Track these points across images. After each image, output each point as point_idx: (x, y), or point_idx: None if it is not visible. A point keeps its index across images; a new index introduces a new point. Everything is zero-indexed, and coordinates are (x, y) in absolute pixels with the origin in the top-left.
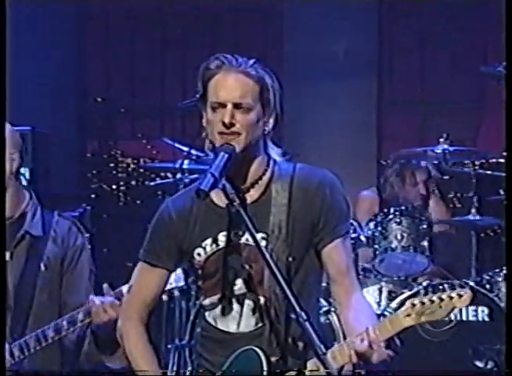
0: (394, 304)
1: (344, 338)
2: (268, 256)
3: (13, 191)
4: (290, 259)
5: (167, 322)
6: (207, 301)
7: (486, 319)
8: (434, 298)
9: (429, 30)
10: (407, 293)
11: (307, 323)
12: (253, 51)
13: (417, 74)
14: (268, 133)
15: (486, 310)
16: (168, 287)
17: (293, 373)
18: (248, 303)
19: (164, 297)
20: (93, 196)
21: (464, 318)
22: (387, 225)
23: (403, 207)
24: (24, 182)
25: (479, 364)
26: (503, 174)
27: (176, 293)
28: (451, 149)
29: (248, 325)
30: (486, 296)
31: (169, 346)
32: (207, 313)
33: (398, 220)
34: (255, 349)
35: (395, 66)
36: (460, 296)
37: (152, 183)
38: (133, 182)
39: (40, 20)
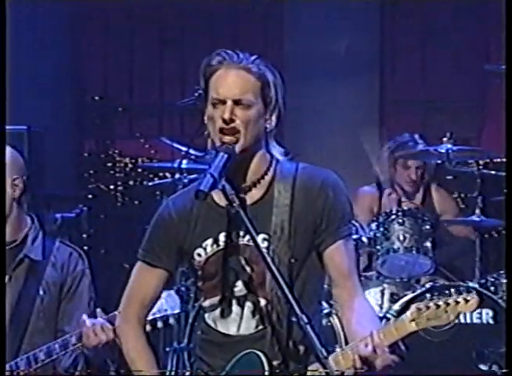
0: (396, 306)
1: (346, 342)
2: (268, 258)
3: (15, 216)
4: (292, 261)
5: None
6: (206, 303)
7: (491, 321)
8: (440, 302)
9: (431, 29)
10: (410, 295)
11: (308, 327)
12: (253, 50)
13: (419, 74)
14: (270, 131)
15: (491, 313)
16: (163, 313)
17: None
18: (249, 305)
19: (160, 324)
20: (90, 196)
21: (468, 321)
22: (390, 225)
23: (406, 208)
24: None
25: (483, 367)
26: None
27: (171, 321)
28: (454, 148)
29: (249, 328)
30: (490, 298)
31: (167, 349)
32: (206, 315)
33: (400, 221)
34: (257, 353)
35: (397, 66)
36: (467, 301)
37: (150, 183)
38: (131, 183)
39: (37, 19)
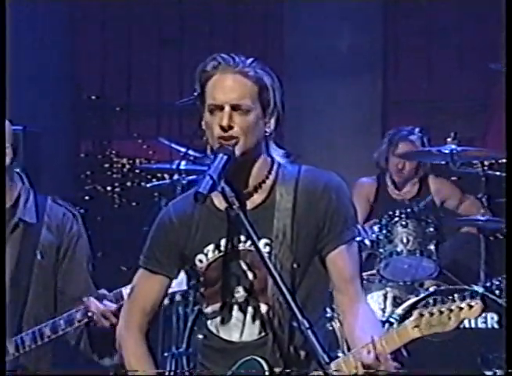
0: (399, 310)
1: (348, 347)
2: (270, 263)
3: (6, 183)
4: (295, 266)
5: (164, 329)
6: (209, 309)
7: (496, 326)
8: (444, 308)
9: (434, 28)
10: (413, 299)
11: (309, 332)
12: (253, 50)
13: (422, 73)
14: (269, 135)
15: (496, 317)
16: (170, 290)
17: None
18: (250, 311)
19: (166, 301)
20: (87, 198)
21: (473, 325)
22: (393, 228)
23: (409, 210)
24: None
25: (488, 373)
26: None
27: (178, 297)
28: (459, 149)
29: (252, 334)
30: (495, 302)
31: (166, 354)
32: (209, 322)
33: (403, 223)
34: (258, 359)
35: (400, 65)
36: (471, 307)
37: (148, 185)
38: (128, 184)
39: (34, 19)
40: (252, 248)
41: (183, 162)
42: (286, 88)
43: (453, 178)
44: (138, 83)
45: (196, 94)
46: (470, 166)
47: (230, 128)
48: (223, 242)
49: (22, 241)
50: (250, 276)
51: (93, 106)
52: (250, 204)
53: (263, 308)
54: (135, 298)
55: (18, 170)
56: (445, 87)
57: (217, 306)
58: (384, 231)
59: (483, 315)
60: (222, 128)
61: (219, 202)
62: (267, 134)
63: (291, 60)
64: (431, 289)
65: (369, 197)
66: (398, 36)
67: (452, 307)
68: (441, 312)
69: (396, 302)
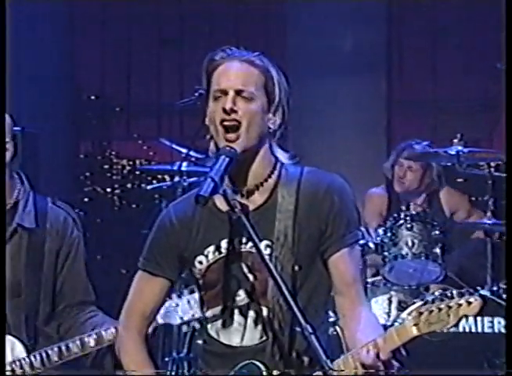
0: (404, 314)
1: (348, 351)
2: (271, 265)
3: (6, 180)
4: (296, 268)
5: (165, 333)
6: (209, 313)
7: (503, 330)
8: (442, 305)
9: (439, 27)
10: (418, 303)
11: (313, 337)
12: (254, 50)
13: (427, 73)
14: (273, 132)
15: (503, 321)
16: (185, 318)
17: None
18: (251, 315)
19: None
20: (86, 199)
21: (480, 330)
22: (398, 231)
23: (414, 212)
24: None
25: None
26: None
27: (197, 325)
28: (465, 150)
29: (253, 338)
30: (502, 307)
31: (166, 359)
32: (209, 326)
33: (408, 226)
34: (256, 364)
35: (405, 64)
36: (469, 303)
37: (148, 186)
38: (129, 185)
39: (34, 19)
40: (253, 250)
41: (184, 163)
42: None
43: (459, 179)
44: (139, 83)
45: (197, 94)
46: (476, 168)
47: (233, 111)
48: (224, 243)
49: (20, 247)
50: (251, 278)
51: (93, 107)
52: (251, 205)
53: (264, 311)
54: (134, 301)
55: (18, 172)
56: (450, 87)
57: (217, 310)
58: (389, 234)
59: (490, 319)
60: (225, 111)
61: (220, 203)
62: (271, 130)
63: (293, 60)
64: (437, 293)
65: (381, 211)
66: (401, 36)
67: (451, 304)
68: (439, 310)
69: (401, 307)
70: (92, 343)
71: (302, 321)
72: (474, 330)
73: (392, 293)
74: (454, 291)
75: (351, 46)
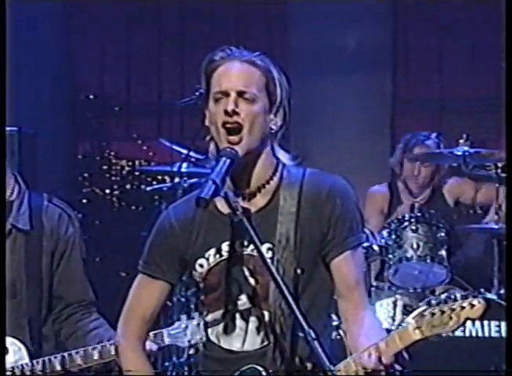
0: (409, 318)
1: (351, 354)
2: (273, 268)
3: (5, 181)
4: (299, 272)
5: None
6: (209, 318)
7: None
8: (445, 308)
9: (446, 26)
10: (424, 306)
11: (315, 342)
12: (255, 49)
13: (433, 72)
14: (275, 133)
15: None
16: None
17: None
18: (253, 320)
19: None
20: (85, 201)
21: (487, 334)
22: (402, 233)
23: (419, 214)
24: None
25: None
26: None
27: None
28: (471, 151)
29: (254, 343)
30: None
31: (167, 364)
32: (209, 331)
33: (413, 227)
34: (258, 368)
35: (410, 63)
36: (473, 306)
37: (148, 188)
38: (128, 186)
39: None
40: (255, 253)
41: (184, 164)
42: (291, 90)
43: None
44: (138, 83)
45: (197, 93)
46: (483, 168)
47: (235, 113)
48: (225, 246)
49: (14, 248)
50: (252, 281)
51: (92, 106)
52: (253, 207)
53: (265, 316)
54: (133, 304)
55: (13, 171)
56: (455, 86)
57: (218, 314)
58: (393, 236)
59: (497, 323)
60: (227, 113)
61: (222, 205)
62: (272, 131)
63: (297, 60)
64: (443, 296)
65: (383, 209)
66: (407, 35)
67: (454, 306)
68: (442, 312)
69: (406, 310)
70: (96, 356)
71: (305, 326)
72: (480, 334)
73: (397, 296)
74: (458, 294)
75: (354, 46)
